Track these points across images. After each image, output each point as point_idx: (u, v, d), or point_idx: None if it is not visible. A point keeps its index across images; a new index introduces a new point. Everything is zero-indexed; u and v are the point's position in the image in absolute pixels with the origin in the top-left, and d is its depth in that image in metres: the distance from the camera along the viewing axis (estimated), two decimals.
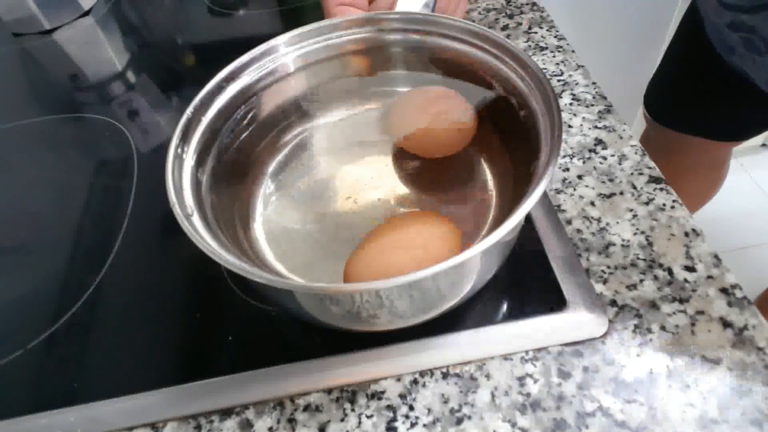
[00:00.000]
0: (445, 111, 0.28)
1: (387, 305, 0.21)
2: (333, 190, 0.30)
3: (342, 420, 0.23)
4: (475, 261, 0.21)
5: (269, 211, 0.29)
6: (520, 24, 0.42)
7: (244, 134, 0.29)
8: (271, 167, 0.31)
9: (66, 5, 0.53)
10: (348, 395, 0.24)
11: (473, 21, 0.43)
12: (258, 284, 0.21)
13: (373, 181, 0.30)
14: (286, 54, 0.29)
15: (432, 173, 0.30)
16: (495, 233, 0.19)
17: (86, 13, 0.54)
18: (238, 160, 0.29)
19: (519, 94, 0.26)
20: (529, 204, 0.19)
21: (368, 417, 0.23)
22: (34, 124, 0.43)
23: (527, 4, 0.44)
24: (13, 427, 0.24)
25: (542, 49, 0.39)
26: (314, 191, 0.30)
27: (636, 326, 0.24)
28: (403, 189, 0.29)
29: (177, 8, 0.54)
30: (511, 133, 0.27)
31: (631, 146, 0.32)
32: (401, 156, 0.30)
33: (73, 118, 0.43)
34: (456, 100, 0.29)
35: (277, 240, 0.28)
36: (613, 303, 0.25)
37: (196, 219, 0.23)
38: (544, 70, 0.38)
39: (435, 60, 0.30)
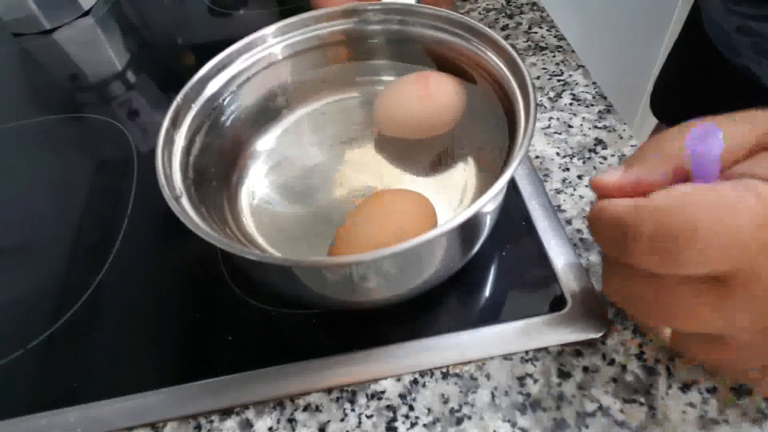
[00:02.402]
0: (433, 93, 0.29)
1: (366, 278, 0.22)
2: (319, 174, 0.30)
3: (342, 420, 0.23)
4: (442, 240, 0.22)
5: (257, 196, 0.30)
6: (520, 24, 0.42)
7: (233, 121, 0.30)
8: (259, 153, 0.31)
9: (66, 5, 0.53)
10: (348, 395, 0.24)
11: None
12: (247, 266, 0.22)
13: (358, 165, 0.31)
14: (273, 44, 0.30)
15: (416, 156, 0.31)
16: (469, 209, 0.20)
17: (86, 13, 0.54)
18: (227, 146, 0.30)
19: (496, 77, 0.27)
20: (501, 182, 0.20)
21: (368, 417, 0.23)
22: (34, 124, 0.43)
23: (527, 4, 0.44)
24: (13, 427, 0.24)
25: (542, 49, 0.39)
26: (301, 176, 0.30)
27: (636, 326, 0.24)
28: (387, 171, 0.30)
29: (177, 8, 0.54)
30: (490, 115, 0.27)
31: (631, 146, 0.32)
32: (386, 140, 0.31)
33: (73, 118, 0.43)
34: (444, 81, 0.29)
35: (265, 224, 0.28)
36: (613, 303, 0.25)
37: (185, 201, 0.23)
38: (544, 70, 0.38)
39: (416, 48, 0.31)
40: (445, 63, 0.30)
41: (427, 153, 0.30)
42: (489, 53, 0.27)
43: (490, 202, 0.20)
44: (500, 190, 0.20)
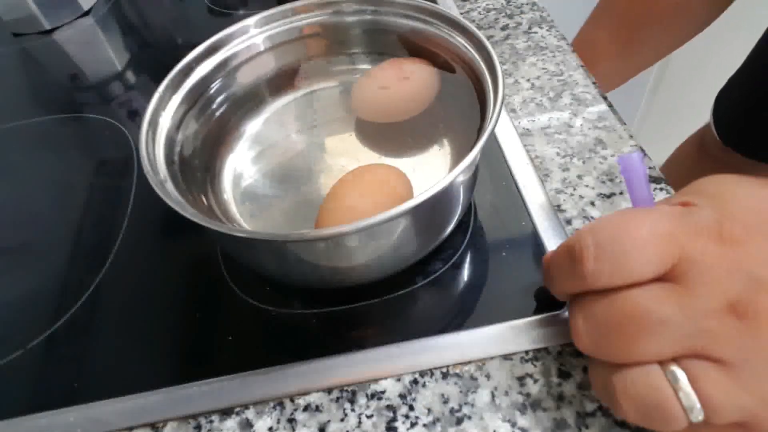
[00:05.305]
0: (406, 76, 0.30)
1: (350, 248, 0.23)
2: (301, 160, 0.32)
3: (342, 420, 0.23)
4: (420, 210, 0.22)
5: (241, 182, 0.31)
6: (520, 24, 0.42)
7: (217, 109, 0.31)
8: (242, 141, 0.32)
9: (66, 5, 0.53)
10: (348, 395, 0.24)
11: (473, 21, 0.43)
12: (236, 249, 0.25)
13: (338, 150, 0.32)
14: (255, 35, 0.32)
15: (393, 140, 0.32)
16: (444, 179, 0.21)
17: (86, 13, 0.54)
18: (211, 134, 0.31)
19: (466, 60, 0.28)
20: (472, 154, 0.22)
21: (368, 417, 0.23)
22: (34, 124, 0.43)
23: (527, 4, 0.44)
24: (13, 427, 0.24)
25: (542, 49, 0.39)
26: (283, 163, 0.31)
27: None
28: (365, 156, 0.31)
29: (177, 8, 0.54)
30: (464, 98, 0.28)
31: (631, 146, 0.32)
32: (363, 126, 0.33)
33: (73, 118, 0.43)
34: (416, 65, 0.31)
35: (248, 209, 0.29)
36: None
37: (170, 187, 0.24)
38: (544, 70, 0.38)
39: (390, 37, 0.32)
40: (419, 50, 0.31)
41: (403, 137, 0.32)
42: (459, 38, 0.28)
43: (462, 173, 0.21)
44: (471, 161, 0.22)
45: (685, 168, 0.61)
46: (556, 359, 0.24)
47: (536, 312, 0.25)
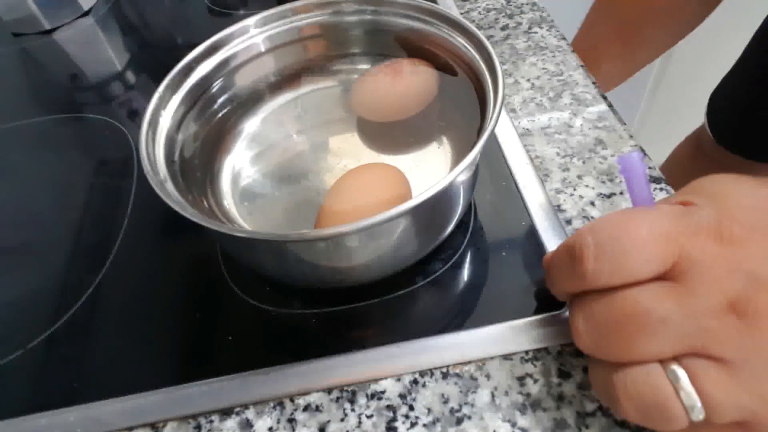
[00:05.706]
0: (404, 75, 0.31)
1: (350, 248, 0.23)
2: (301, 160, 0.31)
3: (342, 420, 0.23)
4: (421, 209, 0.22)
5: (240, 182, 0.31)
6: (520, 24, 0.42)
7: (217, 110, 0.31)
8: (242, 141, 0.32)
9: (66, 5, 0.53)
10: (348, 395, 0.24)
11: (473, 21, 0.43)
12: (236, 248, 0.25)
13: (338, 149, 0.32)
14: (255, 35, 0.32)
15: (393, 138, 0.32)
16: (444, 179, 0.21)
17: (86, 13, 0.54)
18: (210, 134, 0.31)
19: (466, 60, 0.28)
20: (472, 154, 0.22)
21: (368, 417, 0.23)
22: (34, 124, 0.43)
23: (527, 4, 0.44)
24: (13, 427, 0.24)
25: (542, 49, 0.39)
26: (283, 163, 0.31)
27: None
28: (366, 155, 0.31)
29: (177, 8, 0.54)
30: (464, 98, 0.28)
31: (631, 146, 0.32)
32: (363, 125, 0.33)
33: (73, 118, 0.43)
34: (415, 65, 0.31)
35: (248, 209, 0.29)
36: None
37: (170, 187, 0.24)
38: (544, 70, 0.38)
39: (390, 37, 0.32)
40: (419, 50, 0.31)
41: (404, 137, 0.32)
42: (459, 38, 0.28)
43: (462, 173, 0.21)
44: (472, 161, 0.21)
45: (683, 168, 0.61)
46: (556, 359, 0.24)
47: (536, 312, 0.25)
